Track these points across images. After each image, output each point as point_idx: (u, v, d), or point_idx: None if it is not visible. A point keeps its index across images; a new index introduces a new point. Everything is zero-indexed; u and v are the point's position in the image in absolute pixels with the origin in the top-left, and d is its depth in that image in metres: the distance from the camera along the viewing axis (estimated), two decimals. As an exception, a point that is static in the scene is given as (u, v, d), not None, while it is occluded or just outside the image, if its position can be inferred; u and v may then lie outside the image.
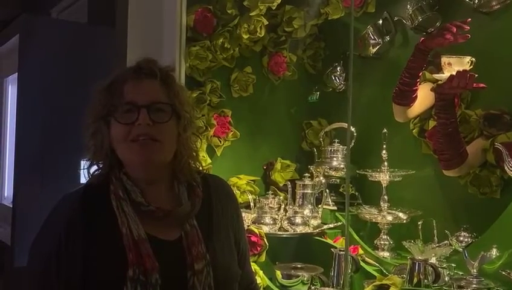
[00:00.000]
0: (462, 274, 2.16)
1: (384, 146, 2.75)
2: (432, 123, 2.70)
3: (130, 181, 1.32)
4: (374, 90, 3.05)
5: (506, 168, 2.29)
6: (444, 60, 2.29)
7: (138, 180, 1.33)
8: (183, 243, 1.26)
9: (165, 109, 1.31)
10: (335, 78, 3.27)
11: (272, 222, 2.65)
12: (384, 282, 2.04)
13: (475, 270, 2.06)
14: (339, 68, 3.27)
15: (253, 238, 2.43)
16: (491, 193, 2.49)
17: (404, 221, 2.67)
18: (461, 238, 2.45)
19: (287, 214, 2.73)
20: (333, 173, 3.03)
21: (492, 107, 2.49)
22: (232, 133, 3.01)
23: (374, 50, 3.02)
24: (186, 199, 1.34)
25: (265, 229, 2.61)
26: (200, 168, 1.46)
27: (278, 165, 3.20)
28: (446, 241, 2.45)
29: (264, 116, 3.17)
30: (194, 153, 1.42)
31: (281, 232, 2.66)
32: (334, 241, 2.72)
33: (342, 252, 2.37)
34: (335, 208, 2.94)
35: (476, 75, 2.22)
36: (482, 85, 2.26)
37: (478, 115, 2.54)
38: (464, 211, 2.60)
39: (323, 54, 3.41)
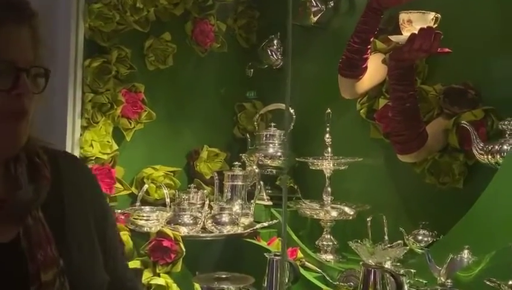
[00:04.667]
0: (426, 283, 1.74)
1: (328, 129, 2.36)
2: (382, 102, 2.31)
3: None
4: (316, 65, 2.66)
5: (474, 150, 1.91)
6: (403, 16, 1.87)
7: None
8: (23, 244, 0.96)
9: (41, 75, 1.00)
10: (271, 53, 2.83)
11: (192, 222, 2.14)
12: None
13: (444, 279, 1.64)
14: (275, 41, 2.83)
15: (166, 243, 1.92)
16: (453, 182, 2.14)
17: (351, 217, 2.31)
18: (419, 237, 2.07)
19: (212, 211, 2.23)
20: (269, 162, 2.58)
21: (454, 81, 2.15)
22: (146, 113, 2.49)
23: (316, 18, 2.64)
24: (27, 182, 1.00)
25: (183, 230, 2.10)
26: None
27: (204, 154, 2.72)
28: (399, 241, 2.07)
29: (188, 95, 2.75)
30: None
31: (203, 234, 2.16)
32: (269, 244, 2.26)
33: (278, 257, 1.90)
34: (270, 203, 2.50)
35: (442, 35, 1.81)
36: (446, 50, 1.86)
37: (437, 91, 2.19)
38: (421, 204, 2.26)
39: (258, 25, 2.97)
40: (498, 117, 2.01)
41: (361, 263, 1.73)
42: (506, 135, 1.87)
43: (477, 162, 2.05)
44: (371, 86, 2.26)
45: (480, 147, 1.90)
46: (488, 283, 1.33)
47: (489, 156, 1.87)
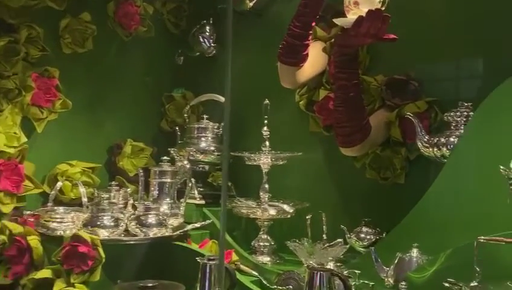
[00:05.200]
0: (373, 285, 1.60)
1: (266, 122, 2.19)
2: (322, 93, 2.19)
3: None
4: (252, 53, 2.47)
5: (419, 143, 1.82)
6: (349, -4, 1.72)
7: None
8: None
9: None
10: (203, 40, 2.64)
11: (113, 224, 1.88)
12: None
13: (392, 280, 1.52)
14: (207, 27, 2.64)
15: (82, 249, 1.66)
16: (395, 177, 2.06)
17: (289, 215, 2.16)
18: (362, 235, 1.95)
19: (136, 212, 1.98)
20: (201, 157, 2.38)
21: (396, 72, 2.06)
22: (60, 102, 2.22)
23: (252, 3, 2.48)
24: None
25: (103, 234, 1.85)
26: None
27: (128, 149, 2.47)
28: (339, 240, 1.94)
29: (110, 83, 2.50)
30: None
31: (126, 238, 1.91)
32: (201, 247, 2.05)
33: (211, 262, 1.69)
34: (202, 202, 2.30)
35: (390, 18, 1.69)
36: (392, 36, 1.75)
37: (379, 82, 2.10)
38: (363, 200, 2.17)
39: (188, 9, 2.75)
40: (441, 109, 1.94)
41: (305, 265, 1.56)
42: (452, 127, 1.80)
43: (419, 157, 1.99)
44: (311, 75, 2.12)
45: (426, 140, 1.81)
46: (447, 284, 1.21)
47: (435, 149, 1.79)
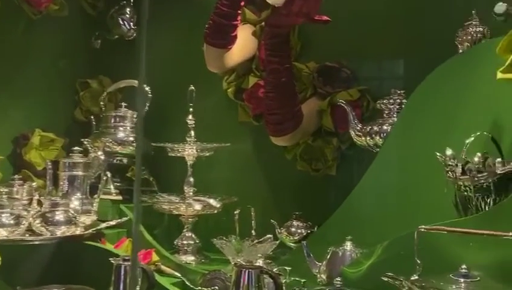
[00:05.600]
0: (304, 283, 1.49)
1: (191, 110, 2.03)
2: (251, 80, 2.07)
3: None
4: (178, 35, 2.32)
5: (352, 132, 1.74)
6: (281, -26, 1.60)
7: None
8: None
9: None
10: (123, 22, 2.43)
11: (13, 222, 1.64)
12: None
13: (325, 276, 1.41)
14: (128, 9, 2.45)
15: (-28, 251, 1.40)
16: (326, 168, 2.00)
17: (216, 211, 2.02)
18: (293, 230, 1.84)
19: (42, 208, 1.74)
20: (118, 149, 2.17)
21: (328, 59, 1.99)
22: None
23: None
24: None
25: (1, 233, 1.60)
26: None
27: (36, 140, 2.23)
28: (269, 235, 1.82)
29: (16, 66, 2.24)
30: None
31: (30, 238, 1.68)
32: (117, 247, 1.85)
33: (126, 263, 1.51)
34: (119, 197, 2.09)
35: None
36: (325, 18, 1.66)
37: (311, 69, 2.02)
38: (294, 193, 2.08)
39: (106, -12, 2.52)
40: (373, 98, 1.87)
41: (233, 263, 1.42)
42: (385, 115, 1.74)
43: (351, 147, 1.93)
44: (240, 59, 1.99)
45: (359, 128, 1.74)
46: (386, 279, 1.11)
47: (368, 138, 1.72)
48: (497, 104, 1.40)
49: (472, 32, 1.58)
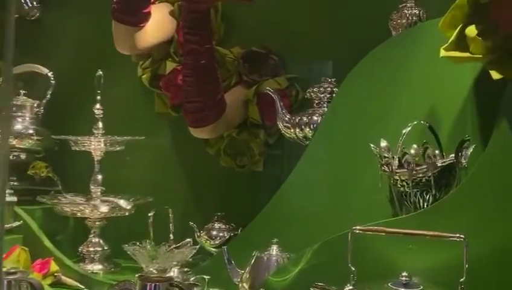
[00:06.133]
0: (224, 294, 1.30)
1: (99, 97, 1.80)
2: (169, 65, 1.87)
3: None
4: (86, 13, 2.04)
5: (279, 123, 1.58)
6: None
7: None
8: None
9: None
10: (24, 0, 2.13)
11: None
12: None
13: (247, 286, 1.23)
14: (30, -16, 2.13)
15: None
16: (252, 164, 1.83)
17: (127, 213, 1.79)
18: (214, 233, 1.66)
19: None
20: (15, 143, 1.89)
21: (255, 44, 1.81)
22: None
23: None
24: None
25: None
26: None
27: None
28: (188, 240, 1.63)
29: None
30: None
31: None
32: (6, 256, 1.56)
33: (12, 277, 1.26)
34: (14, 199, 1.79)
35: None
36: (250, -6, 1.46)
37: (235, 55, 1.83)
38: (217, 192, 1.87)
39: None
40: (303, 87, 1.72)
41: (137, 275, 1.20)
42: (315, 105, 1.58)
43: (279, 140, 1.76)
44: (155, 41, 1.76)
45: (287, 119, 1.57)
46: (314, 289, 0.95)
47: (297, 130, 1.55)
48: (434, 91, 1.28)
49: (407, 15, 1.46)
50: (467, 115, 1.19)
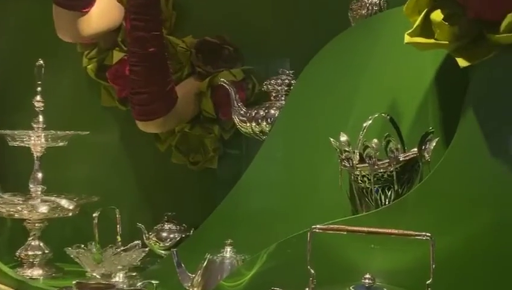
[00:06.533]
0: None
1: (39, 89, 1.67)
2: (116, 55, 1.77)
3: None
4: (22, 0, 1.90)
5: (235, 117, 1.52)
6: None
7: None
8: None
9: None
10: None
11: None
12: None
13: (199, 291, 1.14)
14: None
15: None
16: (206, 161, 1.75)
17: (71, 213, 1.68)
18: (164, 235, 1.57)
19: None
20: None
21: (208, 33, 1.73)
22: None
23: None
24: None
25: None
26: None
27: None
28: (137, 242, 1.56)
29: None
30: None
31: None
32: None
33: None
34: None
35: None
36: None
37: (188, 45, 1.73)
38: (167, 191, 1.78)
39: None
40: (259, 79, 1.65)
41: (74, 282, 1.09)
42: (272, 98, 1.51)
43: (235, 135, 1.69)
44: (100, 28, 1.65)
45: (243, 113, 1.49)
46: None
47: (254, 124, 1.49)
48: (395, 82, 1.23)
49: (368, 5, 1.41)
50: (430, 106, 1.15)
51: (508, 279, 0.88)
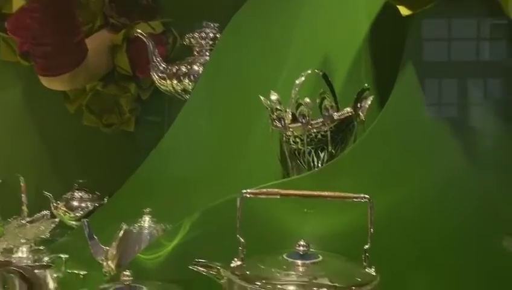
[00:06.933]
0: (84, 276, 1.08)
1: None
2: (16, 2, 1.55)
3: None
4: None
5: (153, 74, 1.39)
6: None
7: None
8: None
9: None
10: None
11: None
12: None
13: (113, 265, 1.02)
14: None
15: None
16: (122, 123, 1.64)
17: None
18: (75, 204, 1.43)
19: None
20: None
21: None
22: None
23: None
24: None
25: None
26: None
27: None
28: (45, 212, 1.39)
29: None
30: None
31: None
32: None
33: None
34: None
35: None
36: None
37: (102, -5, 1.54)
38: (78, 156, 1.65)
39: None
40: (181, 33, 1.51)
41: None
42: (195, 53, 1.39)
43: (154, 95, 1.56)
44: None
45: (162, 69, 1.36)
46: (196, 268, 0.77)
47: (175, 81, 1.36)
48: (328, 35, 1.14)
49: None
50: (363, 62, 1.08)
51: (446, 241, 0.85)
